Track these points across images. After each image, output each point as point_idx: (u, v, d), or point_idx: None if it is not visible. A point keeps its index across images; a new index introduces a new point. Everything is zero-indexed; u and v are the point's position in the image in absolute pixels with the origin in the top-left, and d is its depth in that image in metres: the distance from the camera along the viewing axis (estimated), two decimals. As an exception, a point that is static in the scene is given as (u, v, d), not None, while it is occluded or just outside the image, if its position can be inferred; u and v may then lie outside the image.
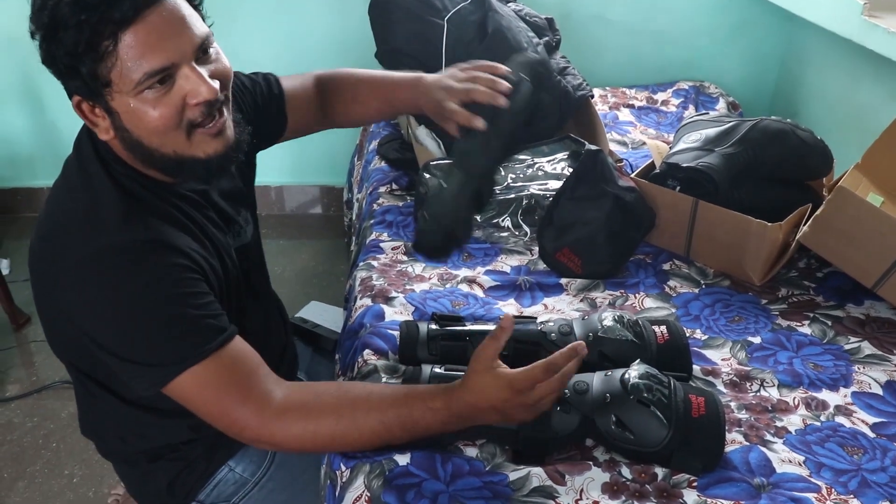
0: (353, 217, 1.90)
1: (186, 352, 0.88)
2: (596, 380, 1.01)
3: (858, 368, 1.13)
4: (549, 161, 1.55)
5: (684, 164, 1.38)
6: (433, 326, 1.12)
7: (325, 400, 0.92)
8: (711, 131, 1.48)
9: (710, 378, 1.12)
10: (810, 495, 0.93)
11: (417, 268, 1.38)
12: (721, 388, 1.10)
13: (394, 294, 1.28)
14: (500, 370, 0.87)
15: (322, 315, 1.90)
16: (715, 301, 1.30)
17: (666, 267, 1.41)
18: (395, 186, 1.67)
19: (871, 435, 1.02)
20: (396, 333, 1.17)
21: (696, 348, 1.17)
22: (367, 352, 1.14)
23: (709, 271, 1.39)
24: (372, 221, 1.54)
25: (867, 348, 1.17)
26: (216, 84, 0.87)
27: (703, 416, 0.97)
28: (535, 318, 1.19)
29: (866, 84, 1.93)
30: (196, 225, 0.96)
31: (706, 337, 1.22)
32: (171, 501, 1.12)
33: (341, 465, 0.95)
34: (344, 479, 0.94)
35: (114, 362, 0.90)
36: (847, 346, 1.18)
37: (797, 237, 1.28)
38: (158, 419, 1.04)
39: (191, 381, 0.88)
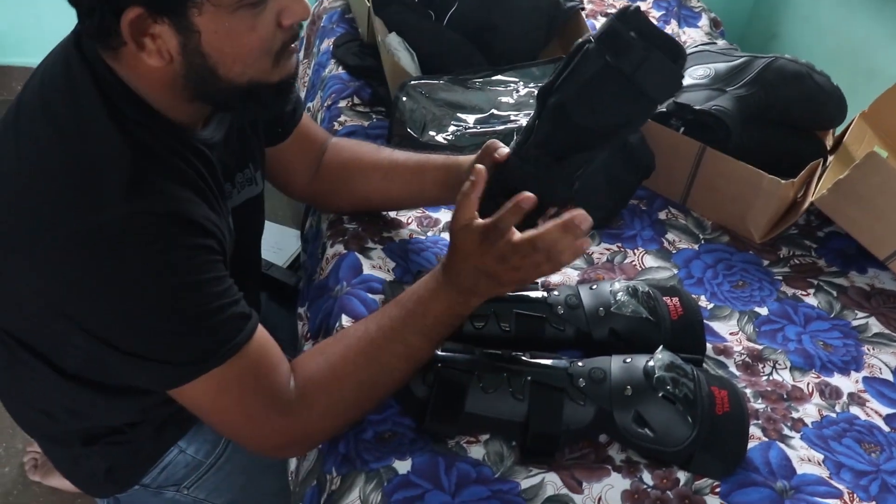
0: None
1: (210, 349, 0.71)
2: (614, 367, 0.90)
3: (868, 349, 1.07)
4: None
5: (696, 107, 1.24)
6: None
7: (335, 355, 0.80)
8: (721, 66, 1.33)
9: (721, 358, 1.03)
10: (832, 501, 0.87)
11: (392, 208, 1.20)
12: (733, 369, 1.02)
13: (370, 244, 1.11)
14: (473, 222, 0.77)
15: (269, 241, 1.70)
16: (717, 261, 1.20)
17: (662, 216, 1.29)
18: (356, 100, 1.45)
19: (886, 429, 0.97)
20: (378, 298, 1.01)
21: (704, 320, 1.08)
22: (345, 318, 0.98)
23: (706, 223, 1.28)
24: (335, 145, 1.33)
25: (875, 325, 1.11)
26: None
27: (728, 413, 0.89)
28: (537, 284, 1.06)
29: (863, 18, 1.78)
30: (209, 187, 0.77)
31: (712, 305, 1.12)
32: (109, 487, 0.96)
33: (333, 469, 0.81)
34: (334, 487, 0.81)
35: (108, 353, 0.72)
36: (855, 322, 1.12)
37: (811, 199, 1.18)
38: (103, 399, 0.86)
39: (210, 383, 0.72)
